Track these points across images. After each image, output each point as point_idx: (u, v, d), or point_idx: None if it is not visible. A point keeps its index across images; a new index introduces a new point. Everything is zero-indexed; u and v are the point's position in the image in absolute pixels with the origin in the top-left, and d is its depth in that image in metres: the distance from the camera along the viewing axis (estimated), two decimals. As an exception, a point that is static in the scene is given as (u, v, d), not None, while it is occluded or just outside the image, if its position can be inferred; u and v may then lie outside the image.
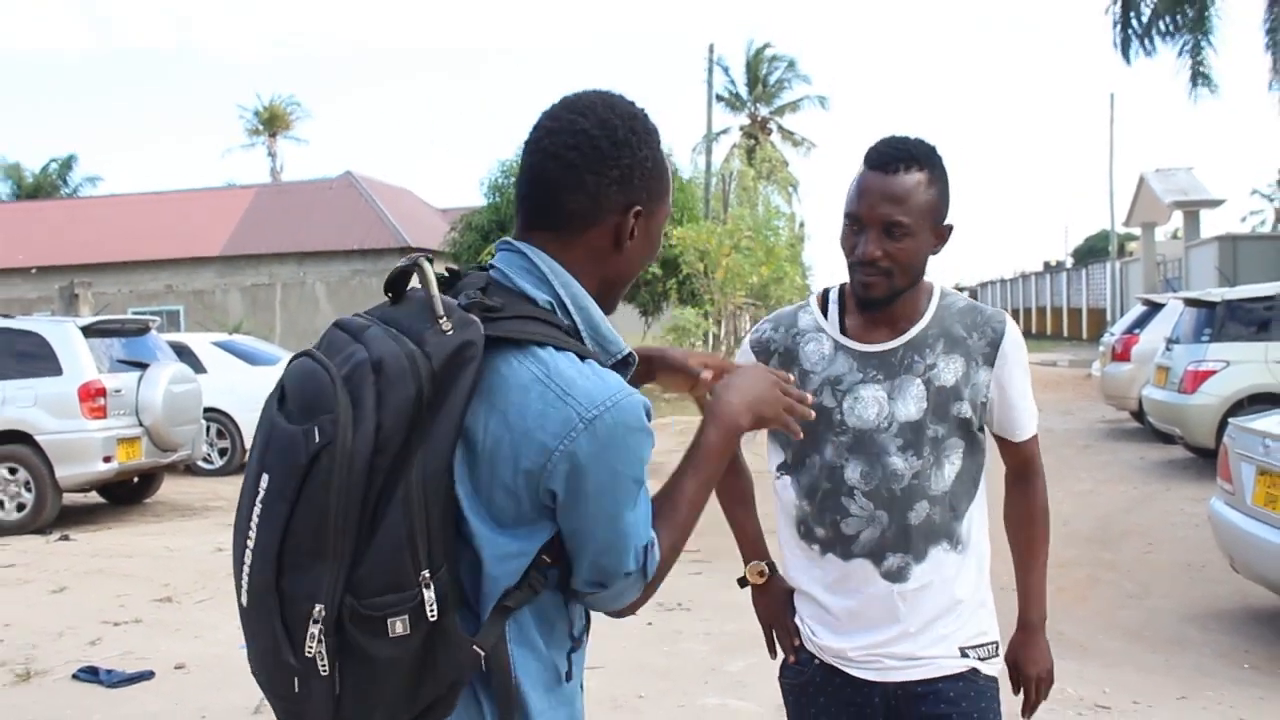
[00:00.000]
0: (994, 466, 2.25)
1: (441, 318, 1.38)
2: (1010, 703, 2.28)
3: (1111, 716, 4.62)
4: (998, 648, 2.22)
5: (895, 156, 2.05)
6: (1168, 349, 11.73)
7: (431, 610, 1.33)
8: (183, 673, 5.38)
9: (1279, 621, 6.10)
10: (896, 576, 2.12)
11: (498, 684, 1.41)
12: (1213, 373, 10.66)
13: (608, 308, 1.57)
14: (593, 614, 1.59)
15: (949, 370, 2.11)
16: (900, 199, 2.03)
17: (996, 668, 2.21)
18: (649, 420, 1.42)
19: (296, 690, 1.38)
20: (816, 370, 2.16)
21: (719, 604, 6.29)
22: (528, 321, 1.42)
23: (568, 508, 1.39)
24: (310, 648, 1.34)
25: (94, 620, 6.38)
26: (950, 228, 2.13)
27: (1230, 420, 6.45)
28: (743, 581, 2.41)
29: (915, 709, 2.14)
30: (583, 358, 1.42)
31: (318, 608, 1.33)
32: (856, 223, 2.08)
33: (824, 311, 2.21)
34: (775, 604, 2.34)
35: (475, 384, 1.36)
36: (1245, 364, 10.59)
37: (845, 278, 2.18)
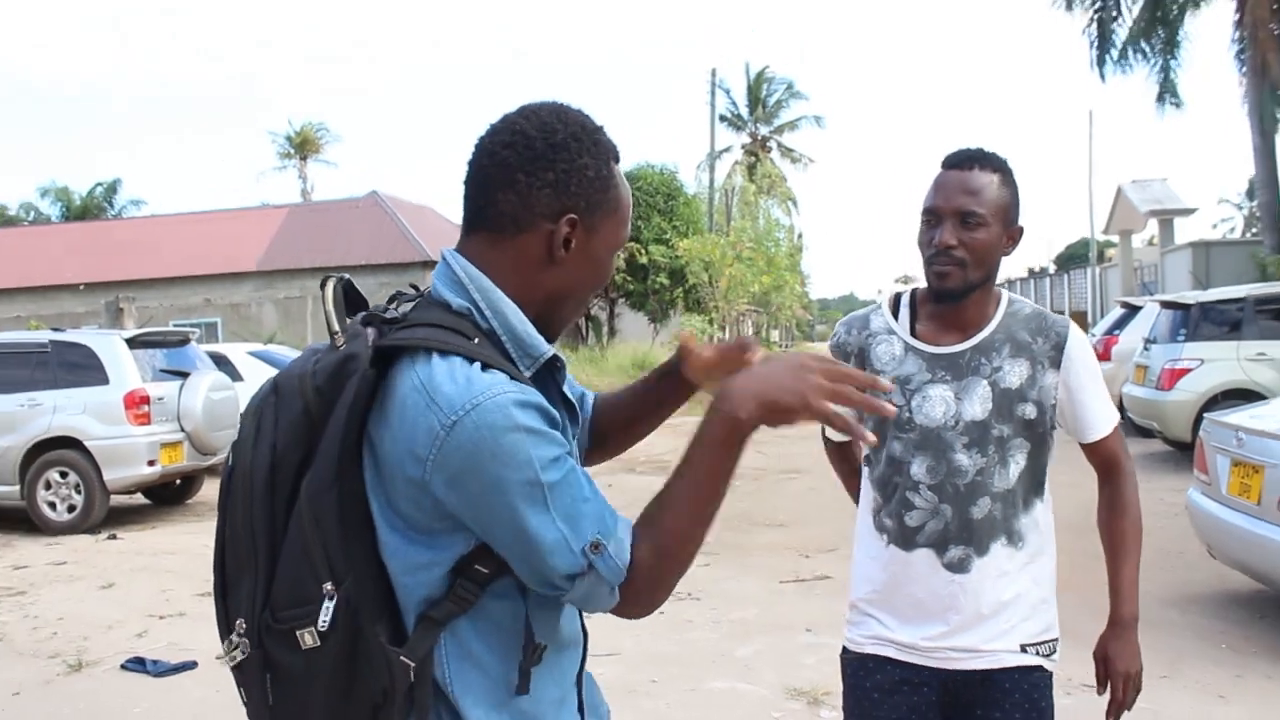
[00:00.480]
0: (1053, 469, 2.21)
1: (336, 333, 1.36)
2: (1096, 701, 2.26)
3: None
4: (1058, 644, 2.20)
5: (970, 157, 2.08)
6: (1146, 349, 11.70)
7: (324, 621, 1.26)
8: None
9: (1254, 604, 6.08)
10: (958, 568, 2.11)
11: (419, 698, 1.29)
12: (1188, 370, 10.64)
13: (550, 328, 1.41)
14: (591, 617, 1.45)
15: (1014, 373, 2.10)
16: (975, 191, 2.04)
17: (1054, 664, 2.19)
18: (538, 416, 1.25)
19: (244, 699, 1.39)
20: (887, 370, 2.15)
21: (727, 594, 6.29)
22: (419, 329, 1.30)
23: (461, 515, 1.25)
24: (234, 658, 1.35)
25: (141, 614, 6.41)
26: (1021, 230, 2.12)
27: (1205, 415, 6.43)
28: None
29: (971, 695, 2.13)
30: (472, 360, 1.26)
31: (239, 621, 1.34)
32: (933, 216, 2.08)
33: (895, 315, 2.21)
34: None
35: (360, 397, 1.27)
36: (1218, 362, 10.57)
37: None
